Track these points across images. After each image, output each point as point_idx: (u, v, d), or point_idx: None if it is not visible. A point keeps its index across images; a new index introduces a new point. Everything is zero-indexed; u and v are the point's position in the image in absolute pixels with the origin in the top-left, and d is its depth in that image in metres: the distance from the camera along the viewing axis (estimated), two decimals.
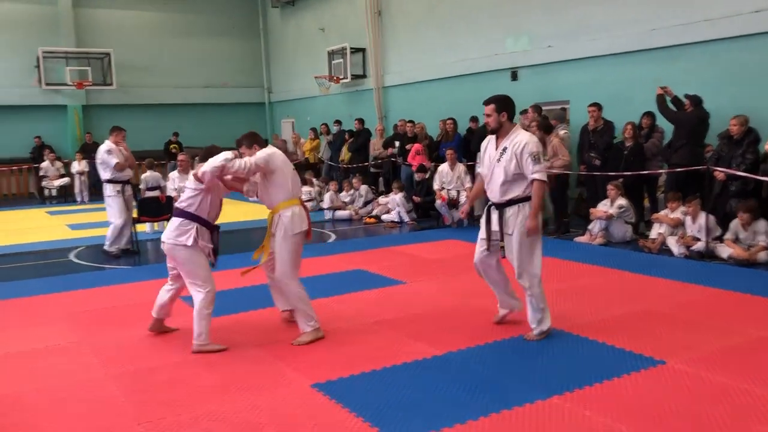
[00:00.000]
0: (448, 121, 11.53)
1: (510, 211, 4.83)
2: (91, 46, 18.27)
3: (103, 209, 8.93)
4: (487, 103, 4.87)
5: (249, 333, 5.24)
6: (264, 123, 21.19)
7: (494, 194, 4.91)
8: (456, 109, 12.57)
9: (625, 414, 3.59)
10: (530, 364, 4.41)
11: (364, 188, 12.11)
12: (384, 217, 11.24)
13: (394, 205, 11.14)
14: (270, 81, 21.10)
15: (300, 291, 5.03)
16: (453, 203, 10.33)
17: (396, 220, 11.02)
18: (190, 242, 4.81)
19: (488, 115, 4.86)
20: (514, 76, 12.24)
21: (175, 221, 4.93)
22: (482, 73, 12.84)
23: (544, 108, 10.41)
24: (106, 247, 8.69)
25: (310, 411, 3.74)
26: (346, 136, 14.49)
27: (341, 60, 16.47)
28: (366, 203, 11.98)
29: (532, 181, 4.73)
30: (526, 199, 4.80)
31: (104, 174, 8.63)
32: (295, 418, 3.64)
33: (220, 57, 20.38)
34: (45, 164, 16.65)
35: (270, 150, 5.07)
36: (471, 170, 10.56)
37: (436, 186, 10.48)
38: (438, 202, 10.36)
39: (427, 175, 11.19)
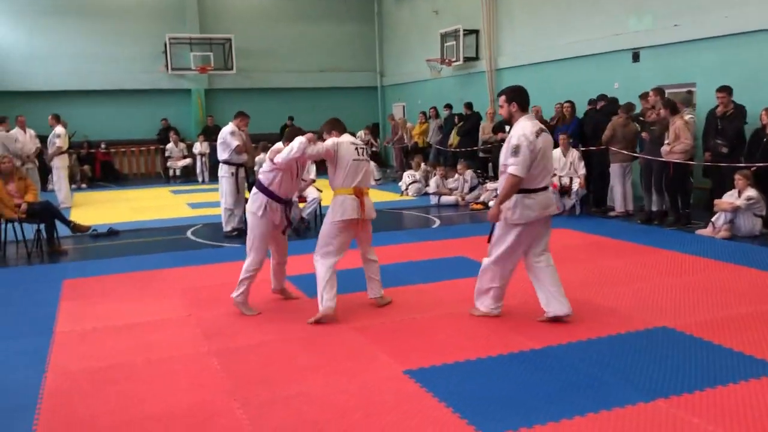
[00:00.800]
0: (566, 104, 11.06)
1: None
2: (214, 33, 19.05)
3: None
4: (499, 94, 5.08)
5: (348, 314, 5.28)
6: (376, 107, 21.36)
7: (500, 180, 5.11)
8: (572, 92, 12.07)
9: (738, 425, 3.30)
10: (635, 363, 4.15)
11: (469, 173, 11.92)
12: (491, 203, 11.01)
13: None
14: (383, 65, 21.20)
15: (321, 272, 5.22)
16: (564, 190, 9.95)
17: None
18: (260, 213, 5.31)
19: (501, 106, 5.03)
20: (636, 57, 11.57)
21: (252, 192, 5.45)
22: (601, 55, 12.24)
23: (667, 91, 9.77)
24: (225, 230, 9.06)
25: (399, 398, 3.72)
26: (456, 120, 14.32)
27: (454, 42, 16.25)
28: (472, 189, 11.80)
29: (505, 171, 4.82)
30: (520, 189, 4.83)
31: (222, 154, 8.97)
32: (383, 405, 3.63)
33: (334, 42, 20.69)
34: (170, 146, 17.65)
35: (339, 139, 5.41)
36: (586, 156, 10.13)
37: None
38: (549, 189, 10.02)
39: None
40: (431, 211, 11.06)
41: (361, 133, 15.59)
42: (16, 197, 8.21)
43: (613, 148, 9.72)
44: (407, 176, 13.37)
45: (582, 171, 9.92)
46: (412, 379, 3.97)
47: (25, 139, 12.41)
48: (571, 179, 9.98)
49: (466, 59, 16.05)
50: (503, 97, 4.98)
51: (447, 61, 16.50)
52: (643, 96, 9.66)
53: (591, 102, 11.06)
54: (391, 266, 6.99)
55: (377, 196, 13.14)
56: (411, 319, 5.14)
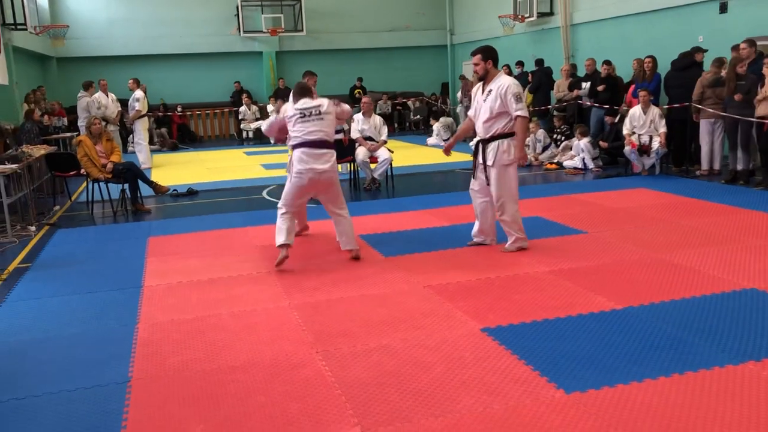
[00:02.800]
0: (647, 60, 10.58)
1: (491, 146, 5.62)
2: None
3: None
4: (474, 53, 5.65)
5: (423, 274, 5.31)
6: (445, 66, 21.06)
7: (480, 131, 5.70)
8: (653, 47, 11.56)
9: None
10: (722, 325, 4.02)
11: (541, 133, 11.65)
12: (566, 163, 10.77)
13: (578, 150, 10.61)
14: (453, 23, 20.80)
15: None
16: (644, 150, 9.62)
17: (579, 166, 10.50)
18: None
19: (476, 64, 5.62)
20: (723, 8, 10.95)
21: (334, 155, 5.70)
22: (685, 6, 11.63)
23: (759, 43, 9.22)
24: None
25: (479, 354, 3.73)
26: (529, 78, 13.97)
27: None
28: (545, 148, 11.54)
29: (516, 117, 5.47)
30: (505, 135, 5.57)
31: None
32: (463, 360, 3.66)
33: (404, 0, 20.42)
34: (243, 108, 17.96)
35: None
36: (669, 114, 9.73)
37: (625, 131, 9.80)
38: (627, 148, 9.71)
39: (617, 119, 10.50)
40: (473, 173, 10.86)
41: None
42: (102, 158, 8.57)
43: (700, 106, 9.29)
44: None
45: (663, 129, 9.54)
46: (490, 337, 3.97)
47: (107, 102, 12.88)
48: (650, 138, 9.62)
49: (540, 15, 15.58)
50: (479, 56, 5.60)
51: (520, 17, 16.05)
52: (734, 48, 9.15)
53: (685, 54, 10.48)
54: (462, 226, 6.96)
55: (446, 156, 13.03)
56: (486, 279, 5.13)
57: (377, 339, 4.01)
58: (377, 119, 9.90)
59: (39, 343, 4.25)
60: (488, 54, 5.62)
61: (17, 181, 8.01)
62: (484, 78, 5.68)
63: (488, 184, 5.76)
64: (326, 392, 3.36)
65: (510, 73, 15.09)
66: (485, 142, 5.68)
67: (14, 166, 7.67)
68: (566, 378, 3.40)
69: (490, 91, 5.57)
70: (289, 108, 5.74)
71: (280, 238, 5.63)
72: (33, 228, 7.76)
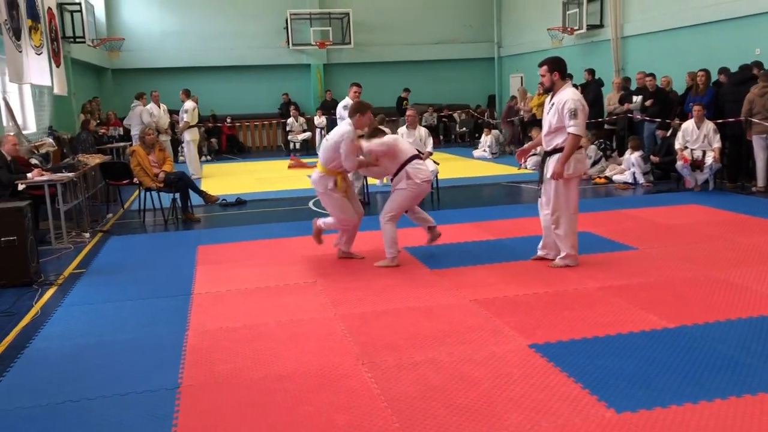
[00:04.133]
0: (700, 73, 10.34)
1: (551, 159, 5.57)
2: (333, 7, 19.34)
3: None
4: (540, 65, 5.63)
5: (468, 288, 5.28)
6: (492, 78, 20.97)
7: (543, 144, 5.72)
8: (707, 59, 11.30)
9: None
10: None
11: (591, 148, 11.49)
12: (616, 177, 10.58)
13: (628, 164, 10.43)
14: (500, 35, 20.73)
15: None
16: (697, 165, 9.39)
17: (629, 181, 10.31)
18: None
19: (542, 75, 5.59)
20: None
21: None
22: (742, 18, 11.34)
23: None
24: None
25: (527, 371, 3.68)
26: (579, 90, 13.78)
27: (577, 9, 15.62)
28: (594, 162, 11.37)
29: (568, 133, 5.40)
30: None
31: None
32: (510, 376, 3.61)
33: (451, 13, 20.44)
34: (290, 120, 18.20)
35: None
36: (721, 129, 9.49)
37: (678, 145, 9.59)
38: (679, 163, 9.49)
39: (669, 133, 10.29)
40: (537, 186, 10.73)
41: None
42: (155, 167, 8.78)
43: (754, 120, 9.04)
44: None
45: (717, 144, 9.30)
46: (539, 353, 3.91)
47: (159, 113, 13.21)
48: (704, 153, 9.39)
49: (590, 27, 15.41)
50: (545, 67, 5.55)
51: (569, 29, 15.90)
52: None
53: (722, 71, 10.27)
54: (509, 240, 6.91)
55: (492, 169, 12.98)
56: (534, 294, 5.06)
57: (423, 352, 4.00)
58: (422, 131, 9.90)
59: (93, 347, 4.36)
60: (555, 66, 5.55)
61: (73, 189, 8.27)
62: (551, 90, 5.62)
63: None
64: (372, 404, 3.36)
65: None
66: (547, 155, 5.65)
67: (70, 174, 7.91)
68: (617, 397, 3.33)
69: (553, 104, 5.54)
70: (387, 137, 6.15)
71: (395, 248, 5.98)
72: (87, 234, 7.99)
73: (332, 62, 19.89)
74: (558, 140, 5.53)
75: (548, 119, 5.59)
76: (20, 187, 7.28)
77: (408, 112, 10.02)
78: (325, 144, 6.07)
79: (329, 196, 6.07)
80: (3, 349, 4.41)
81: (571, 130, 5.39)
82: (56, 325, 4.84)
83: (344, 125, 5.95)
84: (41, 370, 4.03)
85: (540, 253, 6.01)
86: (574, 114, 5.36)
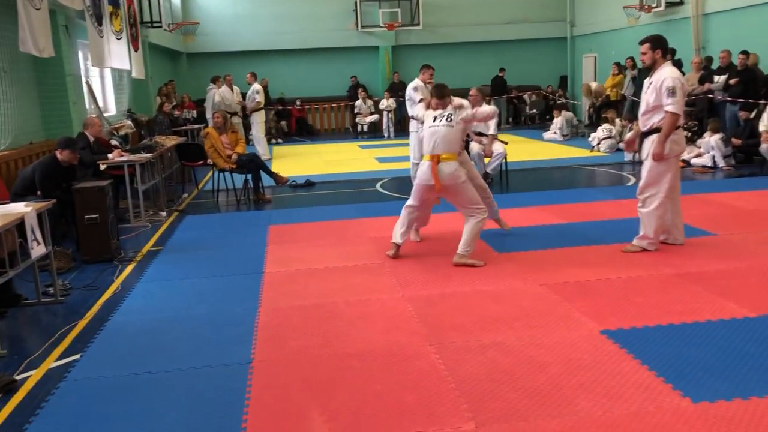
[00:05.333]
0: None
1: (648, 140, 5.43)
2: None
3: (407, 145, 9.47)
4: (642, 42, 5.47)
5: (539, 272, 5.20)
6: (564, 59, 20.43)
7: (640, 123, 5.57)
8: None
9: None
10: None
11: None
12: (694, 161, 10.17)
13: (707, 148, 10.00)
14: (573, 14, 20.13)
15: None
16: None
17: (709, 164, 9.90)
18: None
19: (644, 53, 5.45)
20: None
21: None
22: None
23: None
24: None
25: (598, 356, 3.61)
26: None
27: None
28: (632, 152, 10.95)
29: (666, 112, 5.23)
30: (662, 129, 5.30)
31: (410, 110, 9.09)
32: (581, 362, 3.55)
33: None
34: (358, 102, 18.27)
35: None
36: None
37: (762, 127, 9.13)
38: (764, 145, 9.04)
39: (753, 115, 9.81)
40: (625, 168, 10.46)
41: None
42: (228, 149, 8.99)
43: None
44: (601, 131, 12.72)
45: None
46: (610, 340, 3.83)
47: (232, 96, 13.49)
48: None
49: (669, 4, 14.76)
50: (647, 45, 5.42)
51: (646, 7, 15.29)
52: None
53: None
54: (581, 224, 6.76)
55: (565, 152, 12.70)
56: (606, 279, 4.94)
57: (491, 335, 3.97)
58: None
59: (170, 322, 4.53)
60: (657, 43, 5.42)
61: (150, 170, 8.56)
62: (651, 68, 5.48)
63: None
64: (440, 385, 3.37)
65: (633, 67, 14.49)
66: (644, 135, 5.52)
67: (148, 155, 8.20)
68: (693, 386, 3.23)
69: (651, 83, 5.41)
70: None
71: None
72: (164, 213, 8.27)
73: (400, 44, 19.80)
74: (655, 119, 5.38)
75: (645, 98, 5.46)
76: (102, 167, 7.59)
77: (471, 92, 9.86)
78: (445, 131, 5.52)
79: (468, 184, 5.57)
80: (87, 322, 4.64)
81: (669, 108, 5.23)
82: (135, 300, 5.05)
83: (450, 109, 5.70)
84: (122, 342, 4.22)
85: (661, 237, 5.71)
86: (672, 92, 5.20)
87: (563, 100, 18.00)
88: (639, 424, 2.92)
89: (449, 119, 5.55)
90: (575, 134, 15.30)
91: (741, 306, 4.25)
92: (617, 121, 12.79)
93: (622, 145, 6.22)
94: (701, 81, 11.63)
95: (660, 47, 5.41)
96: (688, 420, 2.93)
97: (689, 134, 10.89)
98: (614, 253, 5.64)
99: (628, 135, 6.18)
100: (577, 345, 3.77)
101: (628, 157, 11.11)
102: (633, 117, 12.55)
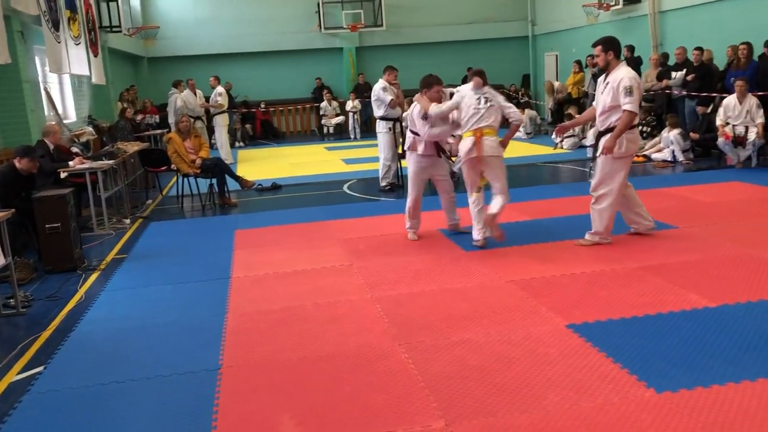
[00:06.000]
0: (741, 47, 10.03)
1: (604, 139, 5.54)
2: None
3: (374, 146, 9.49)
4: (594, 45, 5.61)
5: (505, 268, 5.26)
6: (526, 57, 20.67)
7: (597, 123, 5.71)
8: (749, 33, 10.96)
9: None
10: None
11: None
12: (654, 155, 10.38)
13: (667, 142, 10.21)
14: (534, 13, 20.38)
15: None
16: (739, 141, 9.16)
17: (668, 159, 10.11)
18: None
19: (596, 56, 5.60)
20: None
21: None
22: None
23: None
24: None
25: (565, 350, 3.66)
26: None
27: None
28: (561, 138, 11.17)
29: (623, 111, 5.37)
30: None
31: (377, 111, 9.12)
32: (548, 357, 3.60)
33: None
34: (324, 104, 18.22)
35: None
36: (765, 103, 9.22)
37: (719, 121, 9.35)
38: (721, 140, 9.27)
39: (709, 109, 10.04)
40: (588, 165, 10.61)
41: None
42: (191, 154, 8.90)
43: None
44: None
45: (761, 119, 9.05)
46: (576, 334, 3.89)
47: (195, 100, 13.36)
48: (746, 128, 9.15)
49: (626, 2, 15.02)
50: (600, 47, 5.55)
51: (605, 5, 15.55)
52: None
53: None
54: (546, 220, 6.85)
55: (528, 149, 12.85)
56: (571, 274, 5.02)
57: (460, 333, 4.00)
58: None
59: (136, 330, 4.47)
60: (609, 45, 5.55)
61: (113, 177, 8.43)
62: (605, 70, 5.61)
63: None
64: (410, 384, 3.39)
65: (594, 64, 14.69)
66: (602, 134, 5.63)
67: (110, 162, 8.07)
68: (657, 377, 3.30)
69: (607, 83, 5.53)
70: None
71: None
72: (128, 221, 8.16)
73: (364, 45, 19.81)
74: (612, 119, 5.50)
75: (602, 99, 5.58)
76: (63, 175, 7.45)
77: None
78: (490, 106, 5.97)
79: (502, 161, 5.96)
80: (50, 333, 4.55)
81: (626, 107, 5.36)
82: (100, 309, 4.97)
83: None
84: (87, 352, 4.15)
85: (632, 228, 5.95)
86: (629, 91, 5.34)
87: (526, 99, 18.19)
88: (605, 416, 2.97)
89: (488, 100, 5.94)
90: (539, 132, 15.48)
91: (702, 296, 4.36)
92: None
93: (556, 130, 6.36)
94: (659, 77, 11.86)
95: (612, 49, 5.53)
96: (652, 410, 2.99)
97: (648, 129, 11.12)
98: (579, 248, 5.73)
99: (565, 122, 6.32)
100: (544, 340, 3.83)
101: (590, 153, 11.28)
102: None
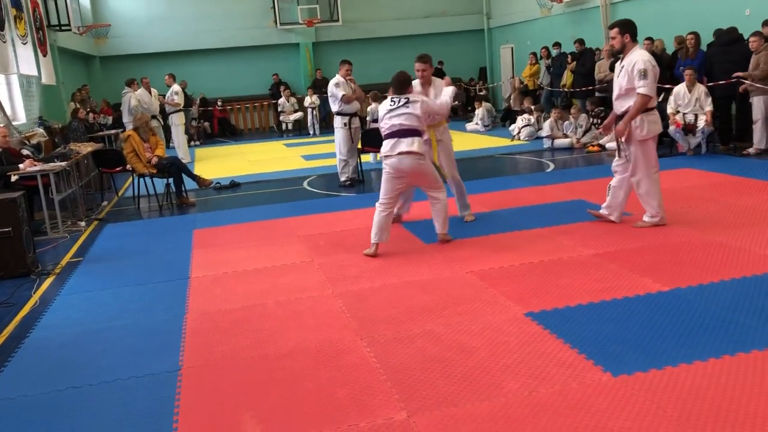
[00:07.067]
0: (689, 37, 10.30)
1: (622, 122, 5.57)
2: None
3: (333, 141, 9.46)
4: (611, 27, 5.65)
5: (465, 259, 5.31)
6: (483, 50, 20.85)
7: (615, 107, 5.76)
8: (696, 23, 11.25)
9: None
10: None
11: (582, 117, 11.48)
12: (609, 145, 10.56)
13: None
14: (489, 6, 20.56)
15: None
16: (689, 129, 9.39)
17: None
18: None
19: (613, 38, 5.60)
20: None
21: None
22: None
23: None
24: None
25: (523, 338, 3.72)
26: (569, 59, 13.75)
27: None
28: (585, 132, 11.35)
29: (637, 94, 5.42)
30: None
31: (333, 106, 9.10)
32: (507, 345, 3.65)
33: None
34: (281, 100, 18.09)
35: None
36: (713, 91, 9.47)
37: (669, 110, 9.57)
38: (671, 128, 9.48)
39: (660, 98, 10.25)
40: (544, 155, 10.78)
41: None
42: (148, 152, 8.75)
43: (757, 84, 8.99)
44: (520, 120, 13.05)
45: (709, 107, 9.30)
46: (534, 321, 3.95)
47: (150, 99, 13.13)
48: (695, 116, 9.38)
49: None
50: (616, 29, 5.56)
51: None
52: None
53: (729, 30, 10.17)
54: (504, 211, 6.93)
55: (486, 141, 12.97)
56: (529, 264, 5.09)
57: (420, 325, 4.03)
58: None
59: (93, 334, 4.39)
60: (626, 27, 5.54)
61: (66, 179, 8.24)
62: (621, 52, 5.63)
63: (628, 161, 5.77)
64: (372, 377, 3.40)
65: (548, 56, 14.91)
66: (619, 118, 5.67)
67: (63, 163, 7.89)
68: (613, 361, 3.37)
69: (623, 66, 5.55)
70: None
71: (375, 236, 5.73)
72: (83, 223, 7.99)
73: (321, 40, 19.73)
74: (629, 102, 5.54)
75: (618, 82, 5.60)
76: (13, 178, 7.25)
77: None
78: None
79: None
80: (3, 340, 4.44)
81: (640, 90, 5.40)
82: (55, 314, 4.86)
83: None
84: (43, 358, 4.06)
85: (603, 212, 6.07)
86: (644, 74, 5.37)
87: (483, 92, 18.34)
88: (563, 401, 3.03)
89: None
90: (496, 124, 15.63)
91: (655, 281, 4.47)
92: (533, 108, 13.14)
93: (599, 132, 6.32)
94: (612, 68, 12.07)
95: (629, 31, 5.53)
96: (608, 394, 3.06)
97: (598, 121, 11.32)
98: (536, 237, 5.82)
99: (607, 120, 6.14)
100: (503, 329, 3.88)
101: (547, 144, 11.46)
102: (550, 106, 12.96)
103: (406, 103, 5.60)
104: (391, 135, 5.57)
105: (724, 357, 3.31)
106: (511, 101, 16.08)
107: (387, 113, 5.64)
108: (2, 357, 4.13)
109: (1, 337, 4.50)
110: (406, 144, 5.50)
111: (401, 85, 5.74)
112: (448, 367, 3.44)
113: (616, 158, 5.90)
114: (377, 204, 5.69)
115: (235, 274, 5.44)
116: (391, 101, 5.68)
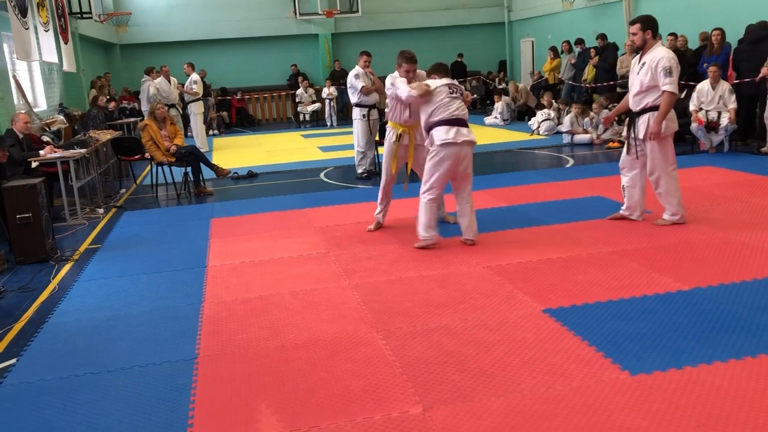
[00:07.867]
0: (714, 32, 10.14)
1: (641, 119, 5.55)
2: None
3: (350, 133, 9.45)
4: (632, 23, 5.56)
5: (483, 254, 5.28)
6: (503, 43, 20.70)
7: (631, 104, 5.66)
8: (722, 18, 11.07)
9: None
10: None
11: (604, 113, 11.35)
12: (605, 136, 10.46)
13: None
14: None
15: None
16: (712, 126, 9.27)
17: None
18: None
19: (634, 34, 5.51)
20: None
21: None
22: None
23: None
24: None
25: (541, 335, 3.69)
26: (592, 54, 13.60)
27: None
28: (606, 128, 11.24)
29: (663, 92, 5.35)
30: (656, 108, 5.43)
31: (352, 97, 9.07)
32: (524, 341, 3.62)
33: None
34: (299, 91, 18.10)
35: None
36: (738, 89, 9.33)
37: (692, 107, 9.45)
38: (694, 125, 9.37)
39: (683, 95, 10.13)
40: (564, 151, 10.69)
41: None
42: (166, 141, 8.79)
43: None
44: (539, 114, 12.95)
45: (733, 105, 9.16)
46: (552, 318, 3.92)
47: (169, 88, 13.18)
48: (719, 114, 9.26)
49: None
50: (638, 25, 5.48)
51: None
52: None
53: (758, 26, 9.98)
54: (522, 206, 6.89)
55: (506, 135, 12.90)
56: (547, 260, 5.05)
57: (437, 319, 4.02)
58: None
59: (111, 321, 4.42)
60: (648, 24, 5.48)
61: (85, 166, 8.31)
62: (641, 49, 5.55)
63: (637, 158, 5.72)
64: (387, 370, 3.39)
65: (570, 50, 14.78)
66: (636, 115, 5.60)
67: (82, 150, 7.95)
68: (631, 359, 3.34)
69: (644, 63, 5.47)
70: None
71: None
72: (101, 210, 8.05)
73: (340, 32, 19.69)
74: (649, 99, 5.48)
75: (639, 78, 5.51)
76: (33, 164, 7.32)
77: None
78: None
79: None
80: (23, 324, 4.48)
81: (666, 87, 5.33)
82: (74, 300, 4.90)
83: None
84: (61, 343, 4.09)
85: (624, 213, 6.00)
86: (669, 72, 5.30)
87: (503, 86, 18.23)
88: (580, 398, 3.00)
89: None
90: (515, 118, 15.53)
91: (675, 280, 4.41)
92: (553, 103, 13.03)
93: (602, 121, 6.33)
94: None
95: (650, 28, 5.46)
96: (626, 392, 3.03)
97: (624, 115, 11.20)
98: (554, 233, 5.77)
99: (608, 112, 6.29)
100: (520, 324, 3.85)
101: (566, 139, 11.36)
102: (572, 100, 12.84)
103: (460, 93, 5.54)
104: (451, 122, 5.36)
105: (746, 358, 3.26)
106: (523, 97, 15.95)
107: (447, 97, 5.39)
108: (21, 341, 4.17)
109: (21, 321, 4.55)
110: (466, 132, 5.42)
111: (448, 70, 5.70)
112: (465, 361, 3.42)
113: (623, 156, 5.86)
114: (424, 194, 5.47)
115: (252, 264, 5.45)
116: (449, 87, 5.45)
